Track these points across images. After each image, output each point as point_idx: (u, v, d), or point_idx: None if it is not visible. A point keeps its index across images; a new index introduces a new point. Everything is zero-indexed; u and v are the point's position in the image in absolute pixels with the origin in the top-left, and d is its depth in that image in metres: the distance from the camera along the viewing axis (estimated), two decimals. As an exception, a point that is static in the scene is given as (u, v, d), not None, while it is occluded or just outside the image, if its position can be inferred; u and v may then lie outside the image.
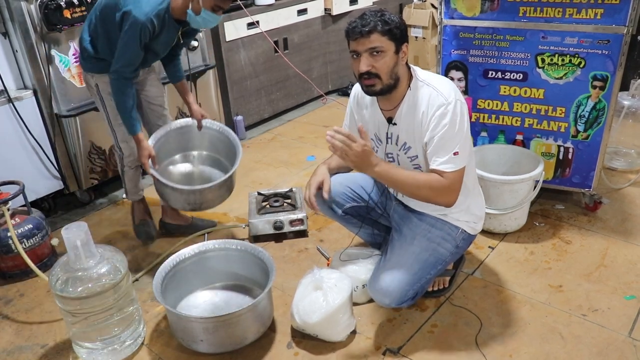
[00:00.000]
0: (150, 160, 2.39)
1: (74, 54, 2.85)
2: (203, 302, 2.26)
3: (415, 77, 1.87)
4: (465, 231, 2.05)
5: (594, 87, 2.48)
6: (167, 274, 2.14)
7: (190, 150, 2.69)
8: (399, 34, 1.77)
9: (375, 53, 1.76)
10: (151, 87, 2.54)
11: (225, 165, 2.64)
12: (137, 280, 2.45)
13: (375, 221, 2.30)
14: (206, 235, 2.74)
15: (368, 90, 1.84)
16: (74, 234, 1.82)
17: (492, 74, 2.65)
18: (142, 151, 2.38)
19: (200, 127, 2.62)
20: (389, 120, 1.94)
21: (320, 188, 2.08)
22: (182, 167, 2.68)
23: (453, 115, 1.78)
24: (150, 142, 2.44)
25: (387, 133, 1.96)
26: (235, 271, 2.31)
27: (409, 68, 1.88)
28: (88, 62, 2.34)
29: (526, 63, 2.56)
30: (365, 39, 1.74)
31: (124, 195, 2.78)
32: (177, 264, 2.19)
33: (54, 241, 2.60)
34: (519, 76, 2.60)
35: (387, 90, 1.83)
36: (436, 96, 1.81)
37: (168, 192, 2.44)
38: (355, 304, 2.17)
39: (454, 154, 1.80)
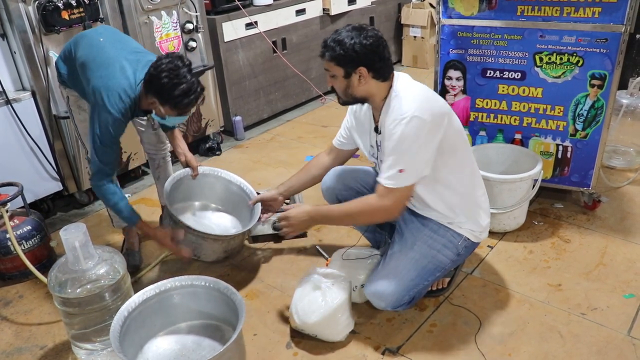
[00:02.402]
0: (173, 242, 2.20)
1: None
2: (164, 350, 1.97)
3: (393, 87, 1.88)
4: (468, 239, 2.04)
5: (592, 85, 2.47)
6: (130, 314, 1.88)
7: (194, 200, 2.58)
8: (346, 60, 1.80)
9: (330, 75, 1.88)
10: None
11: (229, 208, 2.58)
12: (136, 281, 2.45)
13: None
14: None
15: (338, 101, 1.98)
16: (73, 235, 1.82)
17: (490, 73, 2.65)
18: (153, 234, 2.20)
19: (195, 175, 2.46)
20: (376, 129, 1.97)
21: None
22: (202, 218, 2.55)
23: (405, 130, 1.77)
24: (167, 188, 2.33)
25: (376, 141, 2.00)
26: (203, 310, 2.03)
27: (387, 79, 1.87)
28: (60, 76, 2.31)
29: (524, 62, 2.56)
30: (323, 60, 1.86)
31: (112, 224, 2.63)
32: (139, 305, 1.92)
33: (53, 242, 2.60)
34: (517, 75, 2.60)
35: (349, 104, 1.97)
36: (397, 109, 1.81)
37: (205, 244, 2.24)
38: (354, 304, 2.17)
39: (399, 170, 1.80)
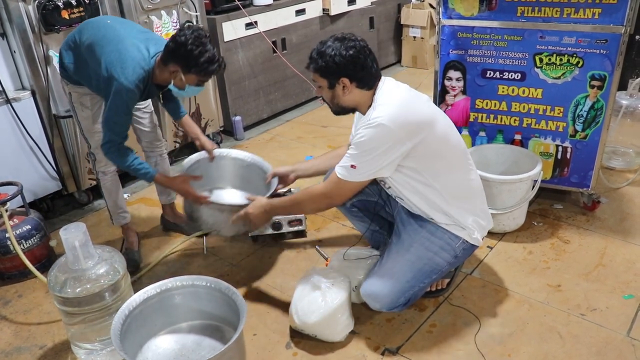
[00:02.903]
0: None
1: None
2: (163, 350, 1.97)
3: (374, 97, 1.92)
4: (466, 241, 2.03)
5: (592, 86, 2.48)
6: (131, 313, 1.88)
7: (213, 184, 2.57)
8: (330, 71, 1.86)
9: (317, 86, 1.95)
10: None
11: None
12: (135, 280, 2.45)
13: (384, 219, 2.31)
14: (205, 238, 2.74)
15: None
16: (73, 234, 1.82)
17: (490, 73, 2.65)
18: (172, 184, 2.25)
19: (212, 158, 2.49)
20: None
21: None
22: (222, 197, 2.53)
23: (368, 133, 1.82)
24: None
25: None
26: (204, 309, 2.03)
27: (371, 87, 1.91)
28: (63, 70, 2.31)
29: (524, 63, 2.56)
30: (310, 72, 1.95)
31: (111, 221, 2.64)
32: (140, 304, 1.92)
33: (53, 242, 2.60)
34: (517, 76, 2.60)
35: (341, 113, 2.00)
36: (369, 114, 1.87)
37: (223, 217, 2.23)
38: (354, 304, 2.17)
39: (352, 166, 1.86)
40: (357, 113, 2.16)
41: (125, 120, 2.16)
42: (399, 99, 1.89)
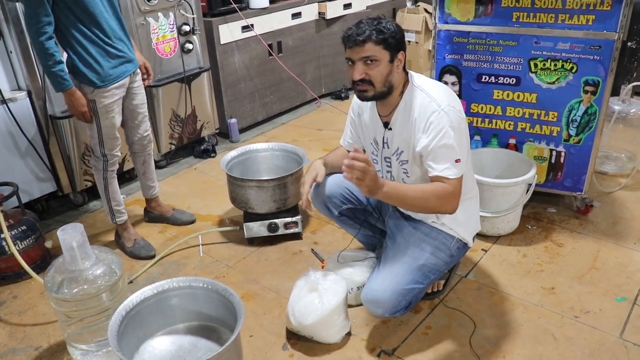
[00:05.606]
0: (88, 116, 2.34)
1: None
2: (160, 351, 1.97)
3: (411, 83, 1.89)
4: (460, 240, 2.04)
5: (586, 92, 2.51)
6: (127, 314, 1.86)
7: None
8: (394, 43, 1.79)
9: (369, 62, 1.79)
10: (138, 93, 2.51)
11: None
12: (132, 282, 2.45)
13: (373, 224, 2.32)
14: (200, 237, 2.74)
15: (360, 95, 1.89)
16: (70, 235, 1.82)
17: (485, 78, 2.68)
18: (80, 100, 2.29)
19: (145, 78, 2.60)
20: (385, 125, 1.96)
21: (315, 181, 2.10)
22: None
23: (448, 122, 1.78)
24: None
25: (383, 137, 1.98)
26: (201, 311, 2.02)
27: (406, 73, 1.90)
28: (76, 75, 2.30)
29: (519, 68, 2.59)
30: (359, 48, 1.77)
31: (110, 220, 2.64)
32: (137, 305, 1.91)
33: (48, 243, 2.59)
34: (512, 81, 2.63)
35: (380, 97, 1.86)
36: (428, 103, 1.81)
37: (253, 193, 2.55)
38: (350, 306, 2.18)
39: (456, 161, 1.81)
40: (353, 108, 2.13)
41: (42, 5, 2.09)
42: (442, 86, 1.91)
